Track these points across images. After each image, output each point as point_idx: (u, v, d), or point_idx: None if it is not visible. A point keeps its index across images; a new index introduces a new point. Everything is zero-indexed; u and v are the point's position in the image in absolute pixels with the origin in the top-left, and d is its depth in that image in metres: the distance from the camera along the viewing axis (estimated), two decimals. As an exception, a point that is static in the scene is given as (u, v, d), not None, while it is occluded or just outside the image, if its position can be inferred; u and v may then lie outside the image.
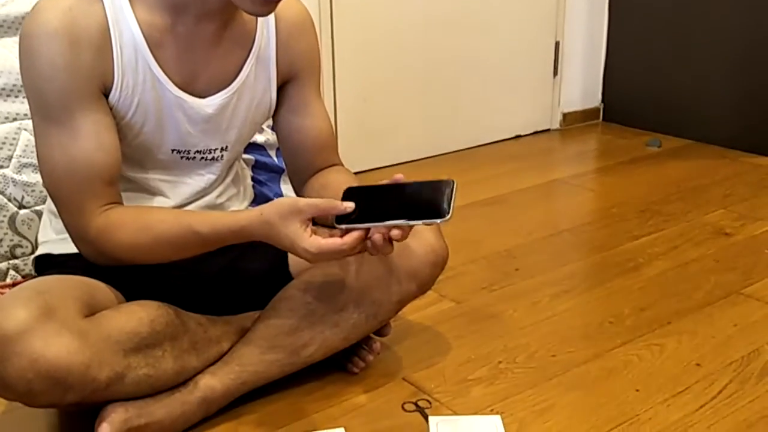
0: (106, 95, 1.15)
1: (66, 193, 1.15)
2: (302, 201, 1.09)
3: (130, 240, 1.14)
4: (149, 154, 1.24)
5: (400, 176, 1.11)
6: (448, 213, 1.03)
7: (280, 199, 1.13)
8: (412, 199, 1.07)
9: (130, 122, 1.19)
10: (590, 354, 1.47)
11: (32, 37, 1.09)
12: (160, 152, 1.24)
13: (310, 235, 1.07)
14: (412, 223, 1.05)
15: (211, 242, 1.15)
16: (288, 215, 1.08)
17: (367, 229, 1.07)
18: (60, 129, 1.12)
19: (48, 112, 1.12)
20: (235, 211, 1.15)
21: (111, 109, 1.16)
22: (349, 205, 1.06)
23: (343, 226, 1.06)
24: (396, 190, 1.10)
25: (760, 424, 1.25)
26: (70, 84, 1.10)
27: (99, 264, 1.19)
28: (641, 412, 1.28)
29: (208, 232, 1.13)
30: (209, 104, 1.23)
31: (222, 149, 1.29)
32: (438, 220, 1.03)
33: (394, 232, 1.06)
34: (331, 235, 1.09)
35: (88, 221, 1.14)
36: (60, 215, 1.18)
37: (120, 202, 1.19)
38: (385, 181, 1.11)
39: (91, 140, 1.12)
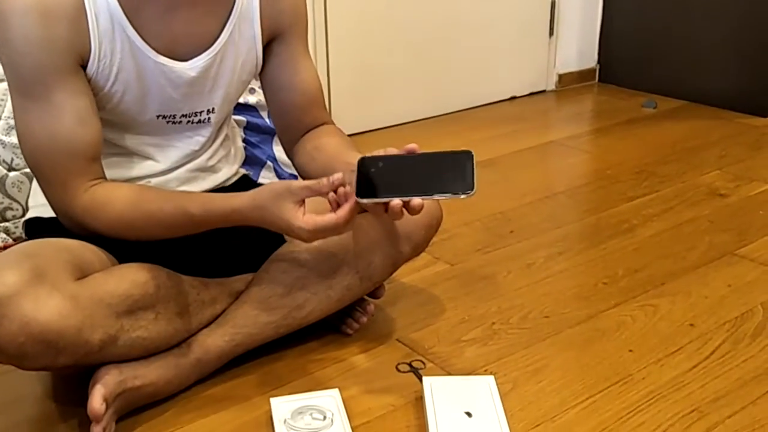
0: (84, 66, 1.13)
1: (48, 170, 1.14)
2: (295, 184, 1.07)
3: (118, 218, 1.13)
4: (134, 120, 1.22)
5: (413, 146, 1.07)
6: (473, 187, 0.99)
7: (272, 182, 1.12)
8: (434, 170, 1.04)
9: (111, 91, 1.17)
10: (584, 315, 1.47)
11: (4, 13, 1.07)
12: (144, 119, 1.23)
13: (304, 214, 1.06)
14: (437, 197, 1.01)
15: (202, 224, 1.14)
16: (281, 197, 1.07)
17: (380, 202, 1.02)
18: (38, 105, 1.10)
19: (25, 87, 1.10)
20: (228, 194, 1.13)
21: (90, 80, 1.14)
22: (337, 177, 1.04)
23: (365, 201, 1.02)
24: (415, 160, 1.06)
25: (752, 383, 1.26)
26: (45, 59, 1.08)
27: (84, 235, 1.18)
28: (634, 372, 1.29)
29: (199, 213, 1.12)
30: (192, 67, 1.21)
31: (209, 111, 1.27)
32: (462, 195, 0.99)
33: (416, 202, 1.02)
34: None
35: (73, 199, 1.13)
36: (44, 192, 1.17)
37: (104, 178, 1.17)
38: (397, 151, 1.07)
39: (71, 116, 1.11)
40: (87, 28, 1.11)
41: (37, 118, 1.11)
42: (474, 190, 0.99)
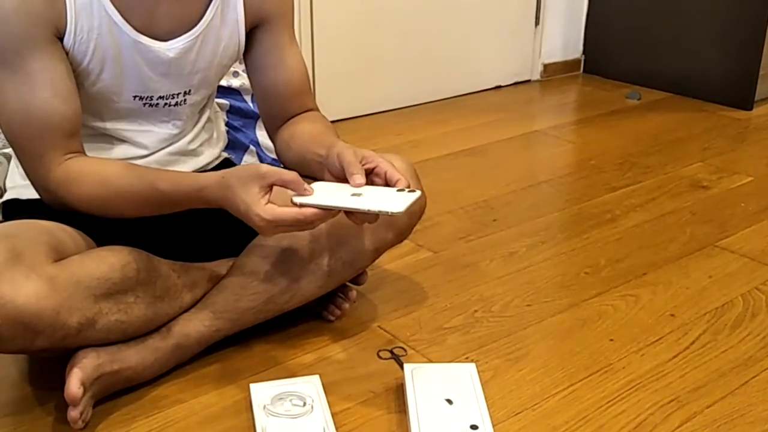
0: (61, 38, 1.11)
1: (24, 142, 1.13)
2: (265, 168, 1.05)
3: (90, 193, 1.12)
4: (110, 101, 1.21)
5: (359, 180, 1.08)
6: (402, 208, 1.01)
7: (246, 164, 1.11)
8: (375, 193, 1.06)
9: (87, 68, 1.15)
10: (565, 304, 1.47)
11: None
12: (121, 99, 1.21)
13: (266, 203, 1.04)
14: (363, 208, 1.02)
15: (171, 201, 1.12)
16: (248, 179, 1.04)
17: (325, 209, 1.04)
18: (13, 76, 1.09)
19: (1, 58, 1.08)
20: (200, 174, 1.12)
21: (67, 54, 1.13)
22: (309, 189, 1.04)
23: (298, 201, 1.03)
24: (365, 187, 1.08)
25: (731, 373, 1.26)
26: (21, 30, 1.07)
27: (61, 212, 1.17)
28: (615, 361, 1.29)
29: (168, 190, 1.10)
30: (171, 48, 1.19)
31: (185, 93, 1.26)
32: (390, 210, 1.01)
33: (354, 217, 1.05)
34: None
35: (47, 171, 1.12)
36: (21, 164, 1.16)
37: (82, 152, 1.16)
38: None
39: (46, 88, 1.10)
40: (64, 2, 1.09)
41: (12, 89, 1.09)
42: (402, 210, 1.01)
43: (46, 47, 1.09)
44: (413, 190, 1.06)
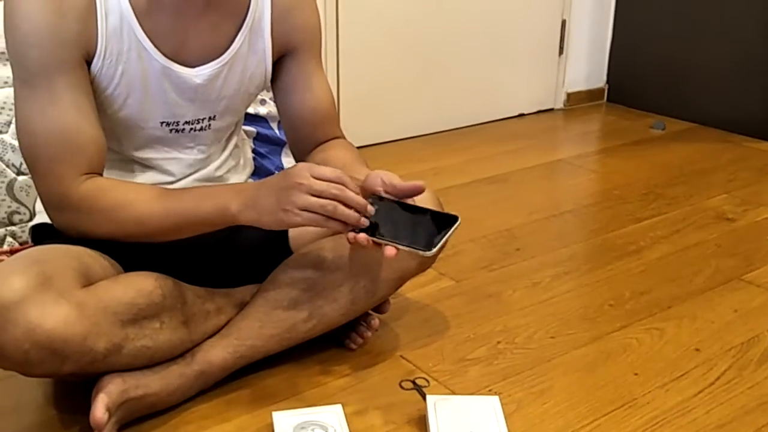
0: (90, 61, 1.13)
1: (45, 163, 1.12)
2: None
3: (107, 205, 1.12)
4: (136, 128, 1.22)
5: (420, 184, 1.13)
6: (432, 249, 1.05)
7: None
8: (413, 223, 1.09)
9: (114, 93, 1.17)
10: (589, 336, 1.46)
11: (13, 1, 1.07)
12: (147, 126, 1.22)
13: None
14: (395, 245, 1.06)
15: (202, 223, 1.14)
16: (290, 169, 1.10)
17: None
18: (40, 94, 1.09)
19: (28, 76, 1.09)
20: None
21: (93, 79, 1.14)
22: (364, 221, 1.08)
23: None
24: (404, 209, 1.12)
25: (758, 410, 1.25)
26: (52, 49, 1.08)
27: (73, 236, 1.16)
28: (639, 396, 1.28)
29: (195, 194, 1.13)
30: (198, 74, 1.21)
31: (210, 118, 1.27)
32: (420, 252, 1.05)
33: (388, 251, 1.06)
34: None
35: (67, 189, 1.11)
36: (37, 187, 1.15)
37: (100, 175, 1.16)
38: (403, 186, 1.13)
39: (73, 108, 1.10)
40: (95, 25, 1.11)
41: (37, 108, 1.10)
42: (432, 252, 1.05)
43: (74, 70, 1.10)
44: (450, 216, 1.09)
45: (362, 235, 1.07)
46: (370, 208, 1.08)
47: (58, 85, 1.09)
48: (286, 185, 1.06)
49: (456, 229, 1.09)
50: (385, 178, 1.13)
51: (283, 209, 1.06)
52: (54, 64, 1.09)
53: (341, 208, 1.06)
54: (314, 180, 1.06)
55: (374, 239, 1.07)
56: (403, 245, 1.06)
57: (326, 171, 1.07)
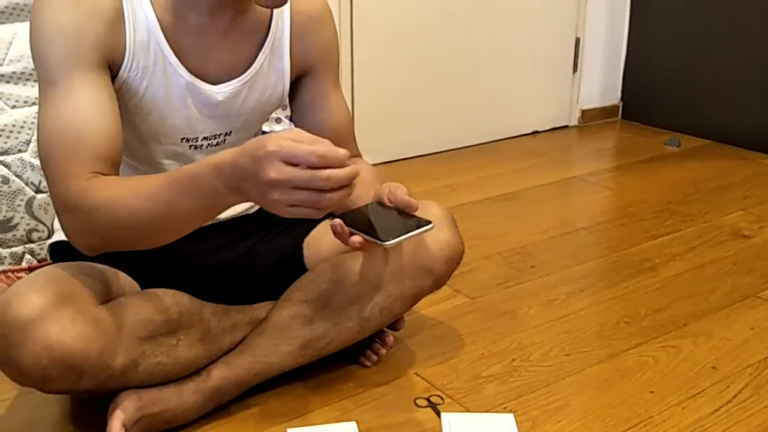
0: (116, 72, 1.13)
1: (56, 160, 1.06)
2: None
3: (107, 195, 1.03)
4: (157, 143, 1.23)
5: (413, 204, 1.11)
6: (389, 241, 1.04)
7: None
8: (391, 223, 1.10)
9: (138, 105, 1.18)
10: (605, 354, 1.46)
11: (41, 4, 1.08)
12: (167, 142, 1.24)
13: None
14: (362, 235, 1.06)
15: (187, 185, 0.99)
16: (266, 138, 0.95)
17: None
18: (58, 92, 1.07)
19: (49, 75, 1.08)
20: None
21: (120, 88, 1.14)
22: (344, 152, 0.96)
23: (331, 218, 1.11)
24: (396, 214, 1.12)
25: (775, 429, 1.24)
26: (74, 47, 1.07)
27: (80, 247, 1.10)
28: (655, 414, 1.27)
29: (182, 173, 1.00)
30: (220, 91, 1.22)
31: (226, 134, 1.28)
32: (378, 242, 1.04)
33: (353, 239, 1.06)
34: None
35: (70, 183, 1.04)
36: (49, 187, 1.10)
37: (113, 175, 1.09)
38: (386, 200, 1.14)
39: (88, 105, 1.07)
40: (124, 35, 1.12)
41: (55, 106, 1.07)
42: (388, 244, 1.04)
43: (95, 69, 1.09)
44: (421, 219, 1.10)
45: (337, 221, 1.07)
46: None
47: (76, 82, 1.07)
48: (263, 181, 0.93)
49: (425, 232, 1.08)
50: (392, 188, 1.14)
51: (272, 205, 0.96)
52: (74, 61, 1.07)
53: (326, 199, 0.94)
54: (289, 171, 0.92)
55: (348, 228, 1.07)
56: (367, 236, 1.06)
57: (297, 150, 0.92)
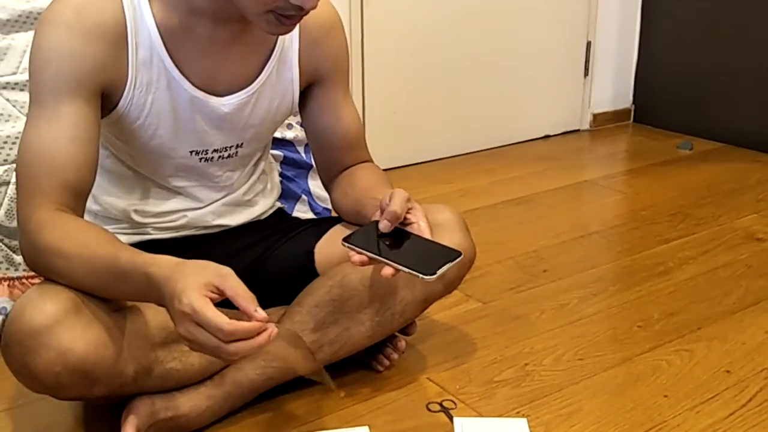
0: (120, 91, 1.14)
1: (26, 179, 1.07)
2: (228, 271, 0.98)
3: (59, 240, 1.04)
4: (167, 157, 1.24)
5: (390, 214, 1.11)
6: (433, 275, 1.05)
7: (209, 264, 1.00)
8: (418, 251, 1.10)
9: (145, 123, 1.18)
10: (618, 358, 1.45)
11: (43, 23, 1.09)
12: (177, 155, 1.24)
13: (203, 296, 0.93)
14: (399, 267, 1.06)
15: (123, 273, 1.01)
16: (206, 268, 0.97)
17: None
18: (42, 113, 1.08)
19: (38, 94, 1.09)
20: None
21: (127, 105, 1.15)
22: (261, 315, 0.95)
23: (347, 245, 1.10)
24: (410, 238, 1.12)
25: (791, 433, 1.23)
26: (69, 71, 1.08)
27: (33, 270, 1.10)
28: (669, 419, 1.27)
29: (125, 260, 1.01)
30: (226, 103, 1.22)
31: (237, 146, 1.29)
32: (420, 276, 1.05)
33: (386, 271, 1.06)
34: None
35: (32, 211, 1.06)
36: (17, 201, 1.10)
37: (78, 214, 1.10)
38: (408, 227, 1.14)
39: (66, 133, 1.07)
40: (126, 56, 1.12)
41: (36, 126, 1.08)
42: (432, 277, 1.05)
43: (84, 97, 1.09)
44: (453, 250, 1.10)
45: (359, 256, 1.08)
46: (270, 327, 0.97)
47: (63, 107, 1.08)
48: (174, 302, 0.95)
49: (458, 262, 1.09)
50: (392, 194, 1.14)
51: (183, 336, 0.96)
52: (64, 86, 1.08)
53: (231, 357, 0.95)
54: (198, 333, 0.94)
55: (375, 257, 1.08)
56: (404, 267, 1.06)
57: (208, 321, 0.92)
